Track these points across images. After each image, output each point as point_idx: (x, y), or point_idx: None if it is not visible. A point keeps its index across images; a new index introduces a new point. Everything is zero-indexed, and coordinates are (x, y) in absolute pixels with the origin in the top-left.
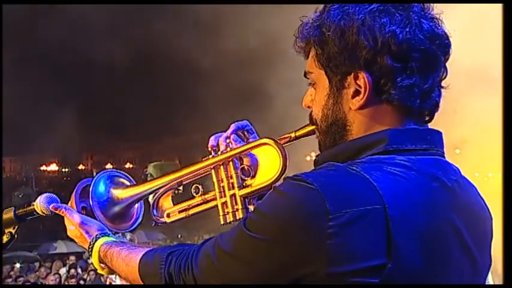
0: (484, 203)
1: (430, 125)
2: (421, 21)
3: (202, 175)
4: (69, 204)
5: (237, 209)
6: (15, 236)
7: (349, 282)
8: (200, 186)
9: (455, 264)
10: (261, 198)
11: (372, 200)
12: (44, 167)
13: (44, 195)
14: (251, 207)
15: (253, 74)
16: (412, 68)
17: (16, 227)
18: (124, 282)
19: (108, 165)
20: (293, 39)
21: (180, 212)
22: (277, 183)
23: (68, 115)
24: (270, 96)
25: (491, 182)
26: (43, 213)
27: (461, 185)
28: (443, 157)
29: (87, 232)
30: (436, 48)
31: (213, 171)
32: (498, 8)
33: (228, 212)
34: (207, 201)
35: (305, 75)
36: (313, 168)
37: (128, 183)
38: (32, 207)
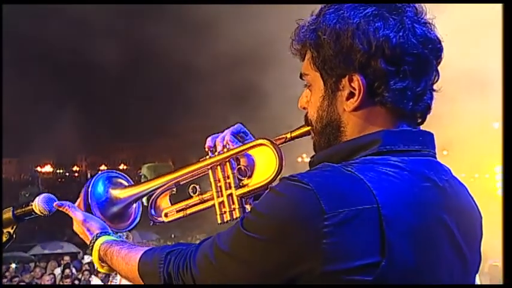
0: (474, 202)
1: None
2: (414, 26)
3: (200, 175)
4: (77, 201)
5: (234, 209)
6: (14, 235)
7: (343, 280)
8: (197, 186)
9: (446, 262)
10: (257, 197)
11: (366, 199)
12: (38, 168)
13: (42, 195)
14: (248, 207)
15: (248, 75)
16: (405, 71)
17: (14, 227)
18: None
19: (103, 167)
20: (287, 40)
21: (177, 211)
22: (273, 184)
23: (62, 117)
24: (265, 97)
25: (478, 183)
26: (41, 213)
27: (452, 185)
28: (435, 158)
29: (88, 230)
30: (428, 52)
31: (210, 171)
32: (486, 10)
33: (225, 212)
34: (205, 201)
35: (301, 77)
36: (306, 169)
37: (126, 184)
38: (30, 207)
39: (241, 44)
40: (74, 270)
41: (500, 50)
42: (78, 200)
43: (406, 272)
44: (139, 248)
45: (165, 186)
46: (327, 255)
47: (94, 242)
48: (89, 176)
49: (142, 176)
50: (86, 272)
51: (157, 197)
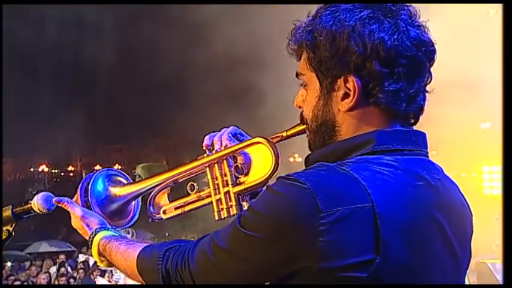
0: (465, 200)
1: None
2: (408, 29)
3: (197, 173)
4: (74, 197)
5: (231, 206)
6: (13, 233)
7: (339, 276)
8: (195, 184)
9: (439, 259)
10: (254, 195)
11: (361, 198)
12: (33, 169)
13: (41, 193)
14: (244, 204)
15: (243, 76)
16: (399, 73)
17: (14, 224)
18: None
19: (97, 167)
20: (282, 40)
21: (176, 208)
22: (270, 182)
23: (57, 117)
24: (259, 98)
25: (465, 182)
26: (40, 211)
27: (444, 183)
28: (427, 157)
29: (87, 225)
30: (422, 54)
31: (207, 169)
32: (477, 13)
33: (222, 209)
34: (202, 198)
35: (297, 76)
36: (298, 168)
37: (125, 182)
38: (29, 205)
39: (237, 44)
40: (69, 269)
41: (489, 52)
42: (76, 196)
43: (400, 269)
44: (138, 244)
45: (164, 184)
46: (323, 253)
47: (93, 237)
48: (83, 176)
49: (137, 176)
50: (81, 271)
51: (156, 195)
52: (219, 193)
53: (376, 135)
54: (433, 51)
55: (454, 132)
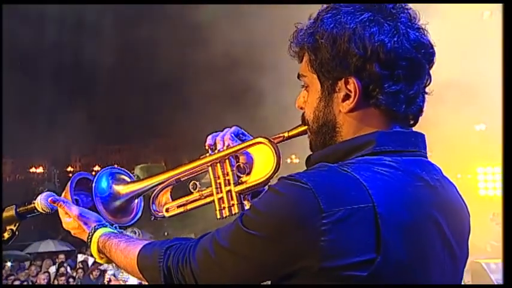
0: (463, 200)
1: None
2: (408, 31)
3: (200, 172)
4: (62, 196)
5: (233, 204)
6: (16, 233)
7: (340, 275)
8: (198, 183)
9: (438, 258)
10: (255, 194)
11: (362, 198)
12: (33, 169)
13: (45, 193)
14: (246, 203)
15: (242, 77)
16: (399, 75)
17: (17, 224)
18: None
19: (96, 168)
20: (281, 41)
21: (178, 207)
22: (271, 182)
23: (55, 118)
24: (259, 99)
25: (460, 183)
26: (43, 211)
27: (442, 184)
28: (426, 158)
29: (85, 223)
30: (421, 56)
31: (210, 168)
32: (473, 17)
33: (224, 207)
34: (204, 197)
35: (298, 78)
36: (296, 169)
37: (129, 180)
38: (32, 205)
39: (236, 45)
40: (68, 269)
41: (484, 54)
42: (64, 194)
43: (400, 268)
44: (138, 242)
45: (166, 182)
46: (324, 252)
47: (92, 235)
48: None
49: (136, 177)
50: (80, 270)
51: (159, 193)
52: (221, 192)
53: (376, 137)
54: (432, 54)
55: (449, 133)
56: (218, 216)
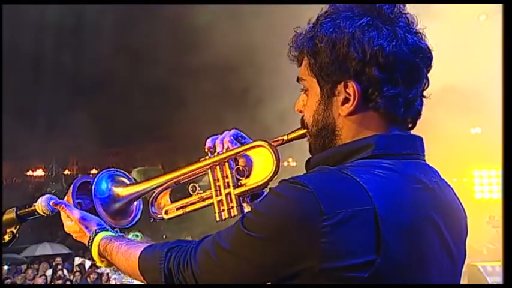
0: (460, 202)
1: None
2: (406, 36)
3: (199, 175)
4: (65, 199)
5: (232, 207)
6: (17, 235)
7: (341, 276)
8: (197, 185)
9: (436, 259)
10: (255, 197)
11: (362, 201)
12: (30, 172)
13: (45, 196)
14: (245, 205)
15: (240, 81)
16: (398, 79)
17: (18, 226)
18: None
19: (93, 171)
20: (280, 43)
21: (177, 209)
22: (271, 185)
23: (53, 121)
24: (257, 103)
25: (456, 186)
26: (44, 213)
27: (440, 186)
28: (424, 160)
29: (86, 227)
30: (419, 60)
31: (209, 170)
32: (469, 20)
33: (223, 210)
34: (204, 199)
35: (298, 81)
36: (293, 172)
37: (128, 182)
38: (33, 207)
39: (235, 47)
40: (65, 272)
41: (480, 58)
42: (66, 197)
43: (399, 269)
44: (138, 244)
45: (166, 185)
46: (325, 254)
47: (93, 238)
48: None
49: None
50: (77, 274)
51: (158, 195)
52: (221, 194)
53: (375, 140)
54: (430, 58)
55: (445, 137)
56: (217, 219)
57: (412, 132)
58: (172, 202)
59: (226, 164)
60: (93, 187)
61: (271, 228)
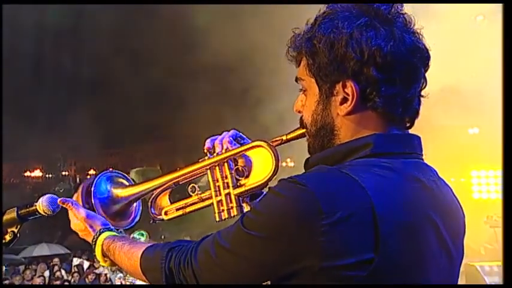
0: (458, 201)
1: None
2: (404, 36)
3: (199, 175)
4: (74, 198)
5: (232, 207)
6: (18, 235)
7: (340, 275)
8: (196, 186)
9: (434, 258)
10: (254, 197)
11: (361, 200)
12: (28, 173)
13: (46, 196)
14: (244, 205)
15: (238, 81)
16: (395, 78)
17: (19, 226)
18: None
19: (91, 171)
20: (277, 44)
21: (177, 209)
22: (270, 185)
23: (51, 121)
24: (256, 103)
25: (454, 186)
26: (45, 213)
27: (438, 185)
28: (422, 160)
29: (91, 226)
30: (417, 60)
31: (209, 171)
32: (467, 21)
33: (223, 210)
34: (203, 200)
35: (296, 81)
36: (291, 172)
37: (127, 183)
38: (34, 207)
39: (234, 47)
40: (63, 273)
41: (477, 58)
42: (76, 196)
43: (398, 267)
44: (141, 244)
45: (165, 185)
46: (324, 253)
47: (97, 238)
48: (77, 180)
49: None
50: (76, 274)
51: (157, 196)
52: (220, 195)
53: (374, 139)
54: (428, 58)
55: (443, 137)
56: (217, 219)
57: (410, 132)
58: (171, 203)
59: (226, 164)
60: (92, 189)
61: (270, 227)
